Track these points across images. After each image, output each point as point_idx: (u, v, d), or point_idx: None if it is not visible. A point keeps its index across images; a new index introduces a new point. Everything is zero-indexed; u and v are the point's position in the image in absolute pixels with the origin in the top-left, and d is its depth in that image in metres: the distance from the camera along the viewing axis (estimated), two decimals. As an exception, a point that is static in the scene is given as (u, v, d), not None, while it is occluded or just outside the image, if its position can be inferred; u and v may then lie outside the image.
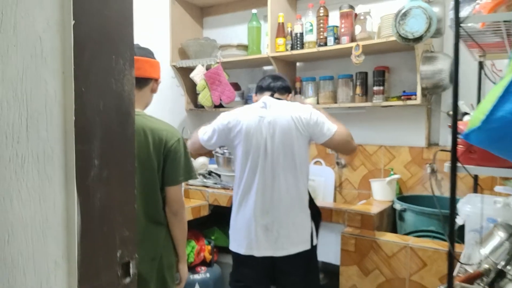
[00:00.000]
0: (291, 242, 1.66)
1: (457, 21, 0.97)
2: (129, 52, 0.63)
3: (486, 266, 1.16)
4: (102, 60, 0.59)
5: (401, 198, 2.16)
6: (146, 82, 1.49)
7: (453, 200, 1.08)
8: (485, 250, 1.20)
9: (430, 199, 2.11)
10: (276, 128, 1.66)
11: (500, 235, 1.18)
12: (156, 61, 1.54)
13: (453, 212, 1.08)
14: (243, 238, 1.70)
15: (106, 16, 0.58)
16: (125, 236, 0.66)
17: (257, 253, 1.68)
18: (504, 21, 0.97)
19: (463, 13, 0.98)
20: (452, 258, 1.07)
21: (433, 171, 2.23)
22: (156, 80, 1.54)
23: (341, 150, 1.89)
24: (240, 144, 1.71)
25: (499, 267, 1.12)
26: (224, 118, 1.77)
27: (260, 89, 1.86)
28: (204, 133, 1.83)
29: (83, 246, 0.59)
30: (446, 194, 2.05)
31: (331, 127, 1.71)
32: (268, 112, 1.70)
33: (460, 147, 1.01)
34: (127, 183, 0.65)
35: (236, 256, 1.77)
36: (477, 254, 1.23)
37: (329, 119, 1.75)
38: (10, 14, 0.50)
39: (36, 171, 0.54)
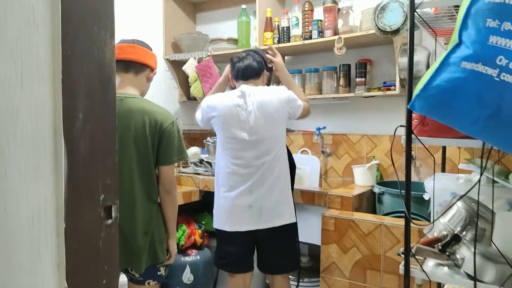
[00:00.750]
0: (274, 215, 1.78)
1: (412, 7, 1.08)
2: (110, 25, 0.74)
3: (445, 232, 1.27)
4: (86, 30, 0.70)
5: (381, 183, 2.27)
6: (142, 68, 1.60)
7: (408, 168, 1.19)
8: (445, 219, 1.31)
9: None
10: (257, 113, 1.77)
11: (457, 205, 1.29)
12: (153, 53, 1.67)
13: (409, 179, 1.19)
14: (228, 216, 1.81)
15: (89, -9, 0.69)
16: (108, 183, 0.76)
17: (243, 228, 1.79)
18: (454, 6, 1.07)
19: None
20: (408, 223, 1.17)
21: (412, 158, 2.34)
22: (152, 70, 1.65)
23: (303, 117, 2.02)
24: (219, 129, 1.83)
25: (456, 232, 1.23)
26: (204, 102, 1.93)
27: (236, 78, 1.97)
28: (198, 114, 1.98)
29: (70, 187, 0.69)
30: (423, 179, 2.16)
31: (299, 102, 1.88)
32: (247, 100, 1.80)
33: (414, 121, 1.12)
34: (109, 138, 0.76)
35: (221, 234, 1.87)
36: (439, 224, 1.34)
37: (293, 86, 2.03)
38: (7, -13, 0.61)
39: (29, 120, 0.64)
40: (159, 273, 1.62)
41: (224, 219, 1.83)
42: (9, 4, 0.61)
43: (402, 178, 2.33)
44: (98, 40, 0.72)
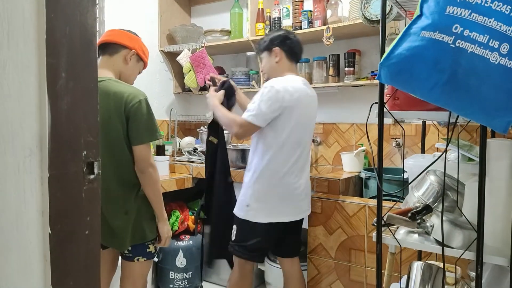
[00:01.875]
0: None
1: (384, -13, 1.14)
2: (92, -8, 0.80)
3: (418, 204, 1.33)
4: (69, -5, 0.76)
5: (369, 169, 2.33)
6: (117, 49, 1.59)
7: (381, 142, 1.25)
8: (418, 192, 1.37)
9: (394, 170, 2.28)
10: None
11: (430, 179, 1.35)
12: (133, 36, 1.65)
13: (381, 150, 1.25)
14: (290, 206, 1.81)
15: (71, -41, 0.75)
16: (89, 140, 0.82)
17: (299, 216, 1.86)
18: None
19: (389, -20, 1.15)
20: (380, 193, 1.23)
21: (398, 145, 2.40)
22: (130, 51, 1.61)
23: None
24: (291, 118, 1.77)
25: (427, 203, 1.29)
26: (278, 85, 1.75)
27: (291, 57, 1.90)
28: (268, 97, 1.72)
29: (53, 140, 0.75)
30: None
31: None
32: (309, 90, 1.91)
33: (387, 96, 1.17)
34: (90, 98, 0.82)
35: (272, 226, 1.79)
36: (412, 198, 1.40)
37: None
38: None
39: (16, 75, 0.70)
40: (148, 250, 1.65)
41: (286, 209, 1.80)
42: (-4, -33, 0.67)
43: (390, 165, 2.41)
44: (81, 5, 0.78)
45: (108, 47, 1.61)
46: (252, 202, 1.79)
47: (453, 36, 0.85)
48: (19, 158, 0.73)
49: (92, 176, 0.83)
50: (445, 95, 0.90)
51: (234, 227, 1.87)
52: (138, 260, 1.64)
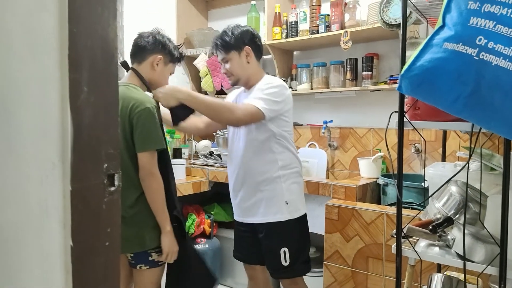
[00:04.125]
0: None
1: (405, -5, 1.12)
2: (112, 6, 0.81)
3: (439, 215, 1.30)
4: (90, 10, 0.77)
5: (387, 175, 2.30)
6: (143, 57, 1.63)
7: (401, 151, 1.23)
8: (439, 203, 1.34)
9: (413, 176, 2.24)
10: None
11: (451, 190, 1.32)
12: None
13: (401, 160, 1.23)
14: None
15: (93, -25, 0.76)
16: (110, 152, 0.83)
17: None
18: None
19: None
20: (400, 204, 1.21)
21: (418, 151, 2.36)
22: (156, 56, 1.63)
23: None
24: (289, 120, 1.79)
25: (449, 214, 1.26)
26: (282, 85, 1.73)
27: (260, 57, 1.84)
28: (277, 98, 1.68)
29: (75, 153, 0.76)
30: (428, 171, 2.18)
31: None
32: None
33: (407, 106, 1.15)
34: (111, 110, 0.83)
35: (305, 218, 1.81)
36: (433, 209, 1.37)
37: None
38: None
39: (38, 89, 0.72)
40: (150, 258, 1.60)
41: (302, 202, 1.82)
42: (21, -15, 0.68)
43: (409, 171, 2.37)
44: (102, 19, 0.79)
45: (136, 55, 1.65)
46: (289, 196, 1.73)
47: (477, 48, 0.83)
48: (42, 171, 0.74)
49: (112, 188, 0.84)
50: (468, 108, 0.87)
51: (283, 250, 1.71)
52: (140, 267, 1.60)
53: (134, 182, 1.56)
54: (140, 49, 1.65)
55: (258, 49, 1.80)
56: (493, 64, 0.82)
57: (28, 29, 0.70)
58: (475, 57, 0.84)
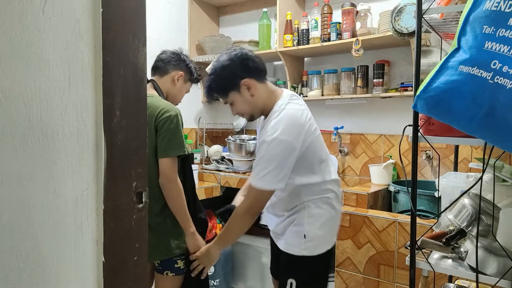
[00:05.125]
0: None
1: (419, 13, 1.15)
2: (142, 34, 0.85)
3: (451, 227, 1.33)
4: (122, 39, 0.81)
5: (398, 182, 2.32)
6: (165, 71, 1.72)
7: (415, 164, 1.26)
8: (452, 215, 1.37)
9: (424, 183, 2.26)
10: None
11: (464, 202, 1.35)
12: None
13: (415, 174, 1.26)
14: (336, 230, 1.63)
15: (126, 6, 0.80)
16: (139, 172, 0.88)
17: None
18: (460, 12, 1.13)
19: (425, 6, 1.16)
20: (415, 216, 1.24)
21: (429, 158, 2.38)
22: (178, 72, 1.72)
23: None
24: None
25: (461, 227, 1.29)
26: (299, 113, 1.47)
27: (265, 74, 1.56)
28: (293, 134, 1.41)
29: (108, 174, 0.81)
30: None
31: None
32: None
33: (421, 121, 1.18)
34: (140, 132, 0.87)
35: (330, 253, 1.60)
36: (446, 220, 1.40)
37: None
38: (58, 3, 0.72)
39: (75, 116, 0.76)
40: (176, 265, 1.66)
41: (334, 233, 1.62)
42: (59, 18, 0.73)
43: (420, 177, 2.39)
44: (133, 47, 0.83)
45: (159, 69, 1.73)
46: (310, 229, 1.48)
47: (492, 72, 0.86)
48: (77, 192, 0.78)
49: (140, 205, 0.88)
50: (482, 128, 0.90)
51: (290, 281, 1.51)
52: (167, 274, 1.66)
53: (159, 190, 1.61)
54: (164, 63, 1.73)
55: (257, 72, 1.49)
56: (507, 88, 0.85)
57: (66, 60, 0.74)
58: (489, 81, 0.86)
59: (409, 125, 1.26)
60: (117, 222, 0.83)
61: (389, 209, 2.27)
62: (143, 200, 0.89)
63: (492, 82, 0.86)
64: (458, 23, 1.29)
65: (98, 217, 0.80)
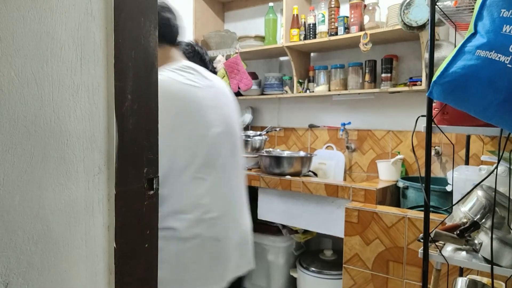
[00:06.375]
0: None
1: (433, 0, 1.13)
2: (153, 17, 0.84)
3: (465, 220, 1.31)
4: (134, 21, 0.79)
5: (406, 178, 2.30)
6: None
7: (429, 152, 1.24)
8: (465, 208, 1.34)
9: (433, 179, 2.24)
10: None
11: (477, 194, 1.33)
12: None
13: (429, 165, 1.23)
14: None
15: (138, -13, 0.79)
16: (150, 157, 0.86)
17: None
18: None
19: (438, -7, 1.14)
20: (428, 207, 1.22)
21: (438, 154, 2.35)
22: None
23: None
24: None
25: (475, 219, 1.27)
26: None
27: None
28: None
29: (119, 158, 0.79)
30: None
31: None
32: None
33: (435, 110, 1.16)
34: (151, 117, 0.85)
35: None
36: (459, 213, 1.38)
37: None
38: (72, -16, 0.71)
39: (86, 97, 0.74)
40: None
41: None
42: (72, -2, 0.71)
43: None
44: (144, 30, 0.82)
45: None
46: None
47: (510, 56, 0.84)
48: (89, 176, 0.77)
49: (151, 192, 0.87)
50: (499, 114, 0.88)
51: None
52: None
53: None
54: None
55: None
56: (527, 72, 0.83)
57: (78, 40, 0.72)
58: (508, 65, 0.84)
59: (422, 116, 1.24)
60: (128, 208, 0.81)
61: (398, 206, 2.25)
62: (154, 186, 0.87)
63: (510, 66, 0.84)
64: (471, 11, 1.27)
65: (109, 202, 0.79)
